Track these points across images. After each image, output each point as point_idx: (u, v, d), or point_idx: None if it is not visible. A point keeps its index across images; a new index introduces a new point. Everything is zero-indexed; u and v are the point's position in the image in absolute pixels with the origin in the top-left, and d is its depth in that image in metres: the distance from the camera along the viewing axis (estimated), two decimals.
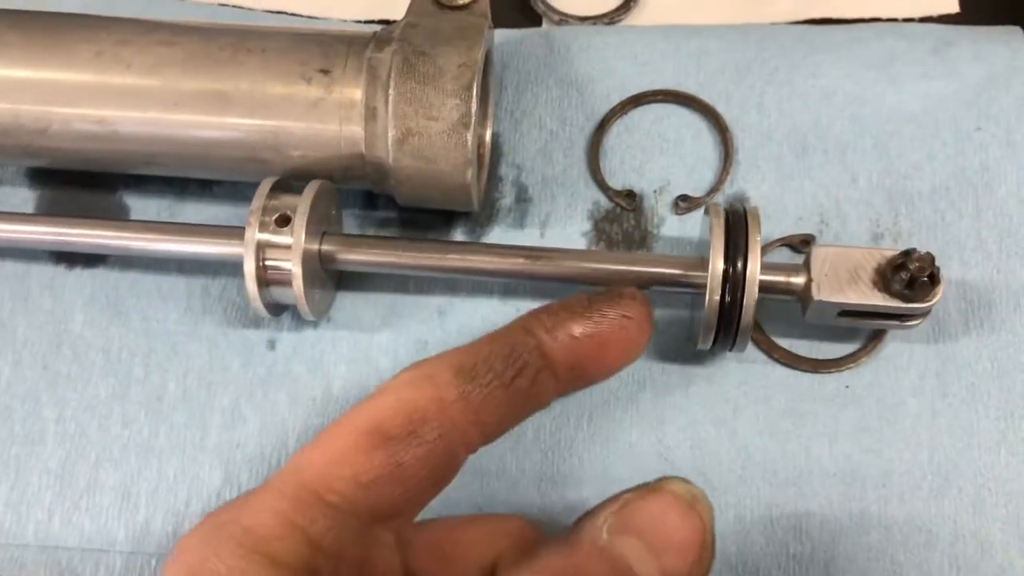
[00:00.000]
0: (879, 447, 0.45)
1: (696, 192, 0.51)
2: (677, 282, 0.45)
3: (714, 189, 0.51)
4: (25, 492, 0.46)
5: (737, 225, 0.43)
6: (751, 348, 0.47)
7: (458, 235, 0.51)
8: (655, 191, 0.51)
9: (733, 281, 0.42)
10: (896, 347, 0.47)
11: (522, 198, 0.51)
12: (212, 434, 0.47)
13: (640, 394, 0.47)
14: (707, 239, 0.46)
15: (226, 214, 0.52)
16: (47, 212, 0.52)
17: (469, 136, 0.45)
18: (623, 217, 0.51)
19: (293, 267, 0.44)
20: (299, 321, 0.49)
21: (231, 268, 0.50)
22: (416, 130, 0.45)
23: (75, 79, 0.46)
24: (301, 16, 0.58)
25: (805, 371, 0.47)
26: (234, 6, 0.58)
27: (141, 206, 0.52)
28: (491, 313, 0.49)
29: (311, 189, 0.45)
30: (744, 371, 0.47)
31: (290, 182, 0.47)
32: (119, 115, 0.46)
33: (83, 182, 0.53)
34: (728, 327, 0.43)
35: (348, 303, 0.49)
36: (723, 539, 0.44)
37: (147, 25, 0.48)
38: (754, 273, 0.42)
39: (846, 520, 0.44)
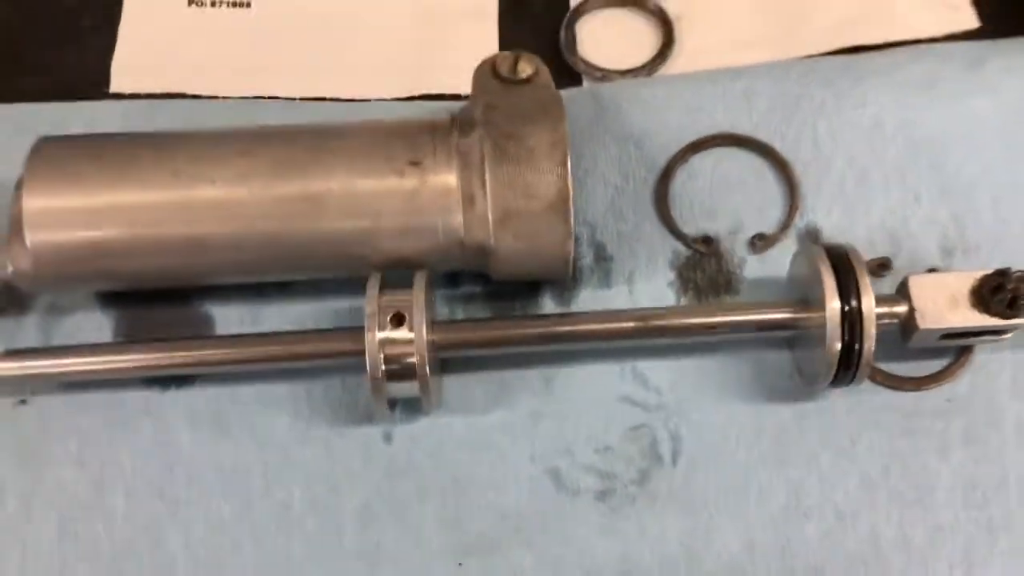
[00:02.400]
0: (991, 454, 0.47)
1: (769, 229, 0.53)
2: (786, 325, 0.47)
3: (786, 225, 0.52)
4: None
5: (839, 262, 0.45)
6: None
7: (547, 301, 0.51)
8: (729, 233, 0.53)
9: (849, 320, 0.44)
10: (985, 357, 0.49)
11: (601, 256, 0.52)
12: (348, 536, 0.47)
13: (760, 436, 0.48)
14: (799, 276, 0.48)
15: (311, 311, 0.51)
16: (146, 338, 0.50)
17: (569, 211, 0.45)
18: (704, 262, 0.52)
19: (417, 362, 0.44)
20: (410, 411, 0.49)
21: (335, 369, 0.49)
22: (516, 211, 0.46)
23: (158, 199, 0.45)
24: (342, 100, 0.57)
25: (908, 391, 0.49)
26: (271, 97, 0.57)
27: (223, 315, 0.51)
28: (600, 375, 0.49)
29: (420, 282, 0.45)
30: (850, 399, 0.49)
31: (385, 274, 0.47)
32: (208, 231, 0.46)
33: (157, 299, 0.51)
34: (848, 364, 0.45)
35: (455, 386, 0.50)
36: (865, 564, 0.46)
37: (218, 136, 0.47)
38: (870, 310, 0.44)
39: (974, 529, 0.46)
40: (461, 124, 0.47)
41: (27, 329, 0.51)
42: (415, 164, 0.46)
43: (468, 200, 0.46)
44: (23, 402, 0.49)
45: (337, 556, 0.46)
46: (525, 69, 0.50)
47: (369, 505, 0.47)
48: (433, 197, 0.46)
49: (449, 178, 0.46)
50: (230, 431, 0.49)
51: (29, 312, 0.51)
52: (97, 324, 0.51)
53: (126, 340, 0.50)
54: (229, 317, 0.51)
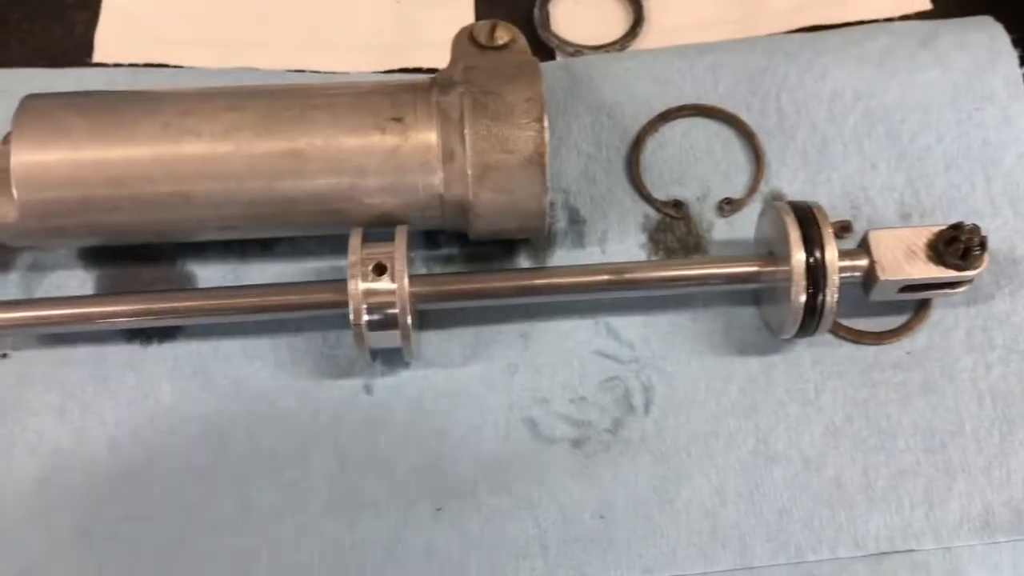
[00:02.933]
0: (948, 403, 0.50)
1: (736, 194, 0.55)
2: (753, 278, 0.49)
3: (752, 190, 0.55)
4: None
5: (804, 217, 0.47)
6: None
7: (523, 261, 0.53)
8: (698, 198, 0.55)
9: (813, 271, 0.46)
10: (942, 312, 0.52)
11: (575, 219, 0.54)
12: (328, 484, 0.47)
13: (729, 386, 0.50)
14: (765, 234, 0.50)
15: (292, 271, 0.52)
16: (124, 291, 0.51)
17: (545, 165, 0.47)
18: (674, 226, 0.54)
19: (399, 311, 0.45)
20: (390, 364, 0.50)
21: (318, 322, 0.51)
22: (494, 164, 0.47)
23: (145, 154, 0.46)
24: (321, 72, 0.59)
25: (869, 344, 0.51)
26: (252, 69, 0.59)
27: (206, 273, 0.52)
28: (574, 330, 0.51)
29: (401, 235, 0.47)
30: (815, 352, 0.51)
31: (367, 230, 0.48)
32: (194, 185, 0.47)
33: (139, 256, 0.52)
34: (812, 314, 0.47)
35: (434, 340, 0.51)
36: (830, 506, 0.47)
37: (206, 93, 0.48)
38: (833, 262, 0.46)
39: (934, 472, 0.48)
40: (441, 84, 0.49)
41: (8, 286, 0.51)
42: (397, 120, 0.48)
43: (448, 156, 0.47)
44: (4, 356, 0.50)
45: (317, 504, 0.47)
46: (502, 36, 0.52)
47: (349, 453, 0.48)
48: (414, 153, 0.47)
49: (430, 135, 0.47)
50: (212, 383, 0.49)
51: (11, 270, 0.52)
52: (79, 282, 0.52)
53: (112, 292, 0.51)
54: (211, 276, 0.52)
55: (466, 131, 0.47)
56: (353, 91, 0.49)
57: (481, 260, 0.53)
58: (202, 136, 0.47)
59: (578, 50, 0.60)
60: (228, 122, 0.47)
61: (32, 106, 0.47)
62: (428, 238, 0.54)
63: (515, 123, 0.47)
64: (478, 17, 0.62)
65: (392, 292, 0.45)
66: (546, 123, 0.47)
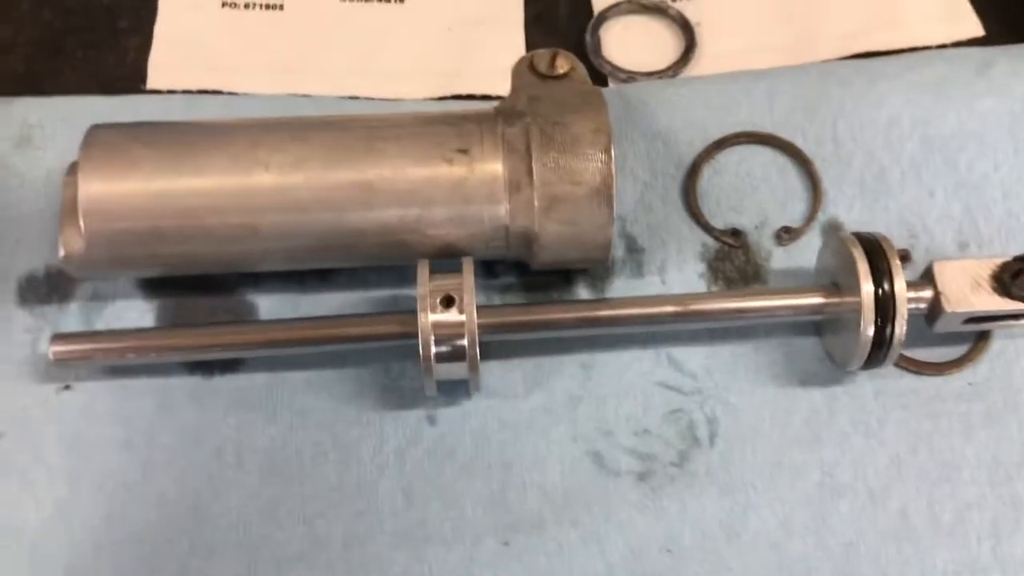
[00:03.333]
0: (1012, 434, 0.50)
1: (793, 222, 0.55)
2: (819, 310, 0.49)
3: (810, 218, 0.55)
4: None
5: (871, 248, 0.47)
6: None
7: (581, 291, 0.53)
8: (755, 226, 0.55)
9: (882, 303, 0.46)
10: (1002, 343, 0.52)
11: (633, 248, 0.54)
12: (394, 516, 0.47)
13: (792, 418, 0.50)
14: (828, 264, 0.50)
15: (349, 300, 0.52)
16: (188, 324, 0.51)
17: (612, 196, 0.47)
18: (732, 254, 0.54)
19: (468, 345, 0.45)
20: (452, 395, 0.50)
21: (381, 353, 0.50)
22: (561, 197, 0.47)
23: (215, 185, 0.46)
24: (375, 99, 0.59)
25: (930, 375, 0.51)
26: (305, 95, 0.58)
27: (266, 303, 0.52)
28: (636, 361, 0.51)
29: (468, 267, 0.47)
30: (876, 383, 0.51)
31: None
32: (263, 217, 0.47)
33: (198, 286, 0.52)
34: (879, 347, 0.47)
35: (495, 370, 0.51)
36: (897, 540, 0.47)
37: (272, 124, 0.48)
38: (902, 294, 0.46)
39: (1000, 505, 0.48)
40: (506, 114, 0.49)
41: (69, 316, 0.51)
42: (463, 152, 0.48)
43: (514, 187, 0.47)
44: (67, 388, 0.50)
45: (384, 536, 0.47)
46: (563, 65, 0.52)
47: (414, 485, 0.48)
48: (480, 184, 0.47)
49: (496, 166, 0.47)
50: (277, 415, 0.49)
51: (71, 299, 0.52)
52: (139, 312, 0.52)
53: (175, 324, 0.51)
54: (271, 305, 0.52)
55: (533, 163, 0.47)
56: (418, 122, 0.49)
57: (539, 289, 0.53)
58: (271, 168, 0.47)
59: (631, 76, 0.60)
60: (296, 153, 0.47)
61: (99, 137, 0.47)
62: (486, 267, 0.54)
63: (582, 154, 0.47)
64: (529, 43, 0.62)
65: (460, 324, 0.45)
66: (613, 154, 0.47)
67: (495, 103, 0.58)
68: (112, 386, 0.50)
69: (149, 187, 0.46)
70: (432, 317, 0.45)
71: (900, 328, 0.46)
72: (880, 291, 0.46)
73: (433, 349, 0.45)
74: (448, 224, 0.48)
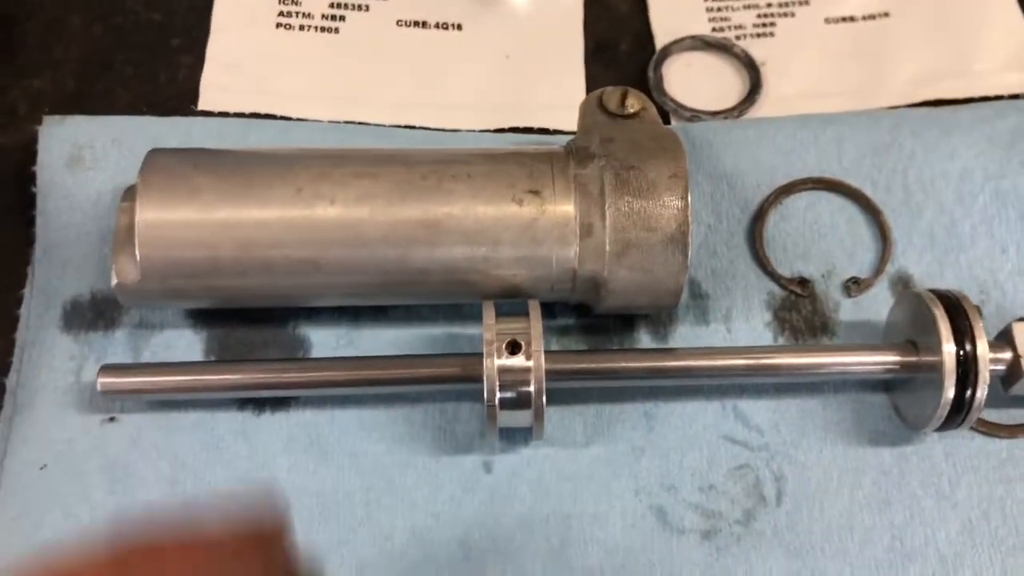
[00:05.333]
0: None
1: (860, 272, 0.53)
2: (894, 370, 0.47)
3: (879, 270, 0.53)
4: None
5: (952, 307, 0.46)
6: None
7: (643, 336, 0.51)
8: (822, 275, 0.53)
9: (963, 366, 0.45)
10: None
11: (697, 294, 0.52)
12: (450, 568, 0.45)
13: (862, 479, 0.48)
14: (902, 323, 0.49)
15: (405, 337, 0.51)
16: (239, 359, 0.49)
17: (688, 244, 0.46)
18: (799, 304, 0.52)
19: (534, 393, 0.44)
20: (509, 441, 0.48)
21: (435, 395, 0.49)
22: (635, 243, 0.46)
23: (277, 218, 0.45)
24: (430, 129, 0.57)
25: (1003, 438, 0.49)
26: (361, 123, 0.57)
27: (318, 337, 0.50)
28: (701, 413, 0.49)
29: (535, 311, 0.45)
30: (947, 444, 0.49)
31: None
32: (325, 252, 0.45)
33: (249, 317, 0.50)
34: (959, 411, 0.45)
35: (553, 417, 0.49)
36: None
37: (336, 156, 0.47)
38: (985, 356, 0.44)
39: None
40: (578, 155, 0.47)
41: (115, 345, 0.50)
42: (535, 193, 0.46)
43: (585, 230, 0.46)
44: (112, 420, 0.48)
45: None
46: (633, 104, 0.50)
47: (471, 536, 0.46)
48: (551, 227, 0.46)
49: (568, 208, 0.46)
50: (329, 456, 0.47)
51: (117, 327, 0.50)
52: (188, 342, 0.50)
53: (226, 359, 0.49)
54: (324, 340, 0.50)
55: (607, 207, 0.45)
56: (488, 160, 0.47)
57: (599, 332, 0.52)
58: (336, 202, 0.45)
59: (695, 115, 0.59)
60: (363, 189, 0.45)
61: (158, 162, 0.46)
62: (544, 308, 0.52)
63: (658, 200, 0.46)
64: (589, 76, 0.61)
65: (527, 370, 0.44)
66: (690, 201, 0.46)
67: (554, 136, 0.57)
68: (158, 419, 0.48)
69: (209, 216, 0.45)
70: (498, 362, 0.44)
71: (981, 392, 0.45)
72: (962, 353, 0.45)
73: (499, 395, 0.44)
74: (515, 265, 0.46)
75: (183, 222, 0.45)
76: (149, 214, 0.45)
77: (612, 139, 0.47)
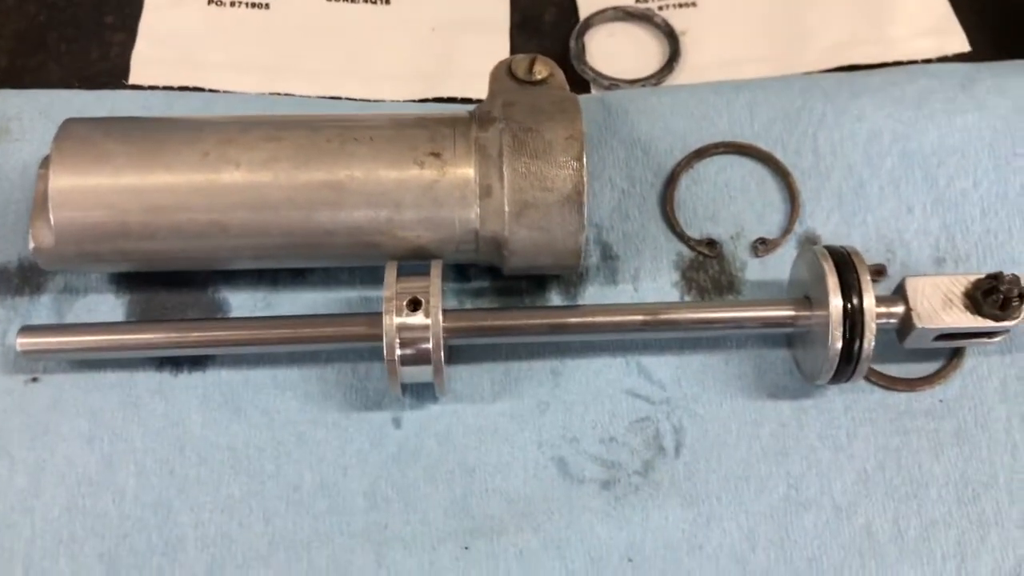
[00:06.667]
0: (982, 453, 0.49)
1: (769, 234, 0.54)
2: (789, 322, 0.48)
3: (787, 230, 0.54)
4: None
5: (841, 263, 0.47)
6: None
7: (554, 297, 0.53)
8: (731, 237, 0.54)
9: (851, 318, 0.46)
10: (975, 360, 0.51)
11: (608, 255, 0.54)
12: (356, 518, 0.47)
13: (760, 430, 0.50)
14: (800, 277, 0.50)
15: (322, 300, 0.52)
16: (158, 319, 0.51)
17: (583, 203, 0.47)
18: (707, 264, 0.54)
19: (432, 347, 0.45)
20: (419, 398, 0.50)
21: (348, 354, 0.50)
22: (532, 203, 0.47)
23: (184, 182, 0.46)
24: (357, 100, 0.59)
25: (901, 391, 0.51)
26: (287, 94, 0.59)
27: (237, 300, 0.52)
28: (605, 368, 0.51)
29: (436, 270, 0.47)
30: (846, 398, 0.50)
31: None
32: (232, 215, 0.47)
33: (170, 282, 0.52)
34: (848, 361, 0.46)
35: (463, 374, 0.51)
36: (861, 555, 0.47)
37: (246, 122, 0.48)
38: (871, 309, 0.46)
39: (966, 524, 0.48)
40: (480, 119, 0.49)
41: (40, 309, 0.51)
42: (435, 155, 0.47)
43: (485, 191, 0.47)
44: (35, 380, 0.50)
45: (345, 537, 0.47)
46: (541, 71, 0.51)
47: (378, 488, 0.48)
48: (451, 188, 0.47)
49: (468, 170, 0.47)
50: (242, 413, 0.49)
51: (42, 292, 0.52)
52: (110, 306, 0.52)
53: (144, 319, 0.51)
54: (243, 303, 0.52)
55: (504, 168, 0.47)
56: (392, 124, 0.49)
57: (512, 294, 0.53)
58: (241, 166, 0.47)
59: (614, 83, 0.60)
60: (268, 152, 0.47)
61: (72, 131, 0.47)
62: (459, 271, 0.53)
63: (554, 161, 0.47)
64: (513, 47, 0.62)
65: (426, 328, 0.45)
66: (585, 162, 0.47)
67: (475, 106, 0.59)
68: (79, 379, 0.50)
69: (118, 182, 0.46)
70: (397, 320, 0.45)
71: (868, 343, 0.46)
72: (849, 306, 0.46)
73: (398, 352, 0.45)
74: (418, 227, 0.48)
75: (94, 187, 0.46)
76: (61, 180, 0.46)
77: (514, 103, 0.49)
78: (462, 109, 0.51)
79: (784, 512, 0.48)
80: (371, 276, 0.53)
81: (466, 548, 0.47)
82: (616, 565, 0.47)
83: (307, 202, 0.47)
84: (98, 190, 0.46)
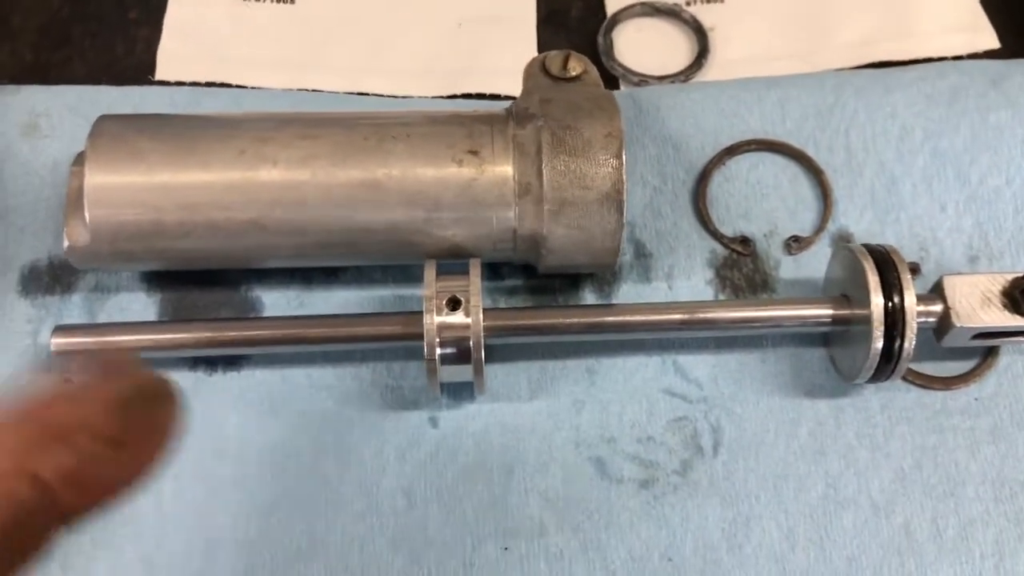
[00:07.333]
0: (1019, 452, 0.49)
1: (802, 232, 0.54)
2: (828, 321, 0.48)
3: (819, 228, 0.54)
4: None
5: (881, 261, 0.47)
6: None
7: (588, 295, 0.53)
8: (764, 235, 0.54)
9: (891, 317, 0.46)
10: (1010, 358, 0.51)
11: (641, 253, 0.54)
12: (394, 519, 0.47)
13: (798, 429, 0.49)
14: (837, 275, 0.50)
15: (355, 298, 0.52)
16: (193, 319, 0.50)
17: (623, 202, 0.47)
18: (741, 262, 0.54)
19: (473, 347, 0.45)
20: (456, 397, 0.50)
21: (384, 353, 0.50)
22: (571, 201, 0.47)
23: (220, 180, 0.46)
24: (382, 96, 0.58)
25: (937, 390, 0.51)
26: (314, 90, 0.58)
27: (270, 299, 0.52)
28: (641, 367, 0.51)
29: (476, 269, 0.46)
30: (882, 396, 0.50)
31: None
32: (268, 213, 0.46)
33: (202, 280, 0.52)
34: (888, 361, 0.46)
35: (499, 373, 0.50)
36: (899, 554, 0.47)
37: (280, 119, 0.48)
38: (912, 308, 0.46)
39: (1004, 522, 0.48)
40: (517, 116, 0.48)
41: (71, 307, 0.51)
42: (474, 153, 0.47)
43: (524, 190, 0.47)
44: (68, 380, 0.49)
45: (383, 538, 0.46)
46: (575, 67, 0.51)
47: (415, 488, 0.48)
48: (490, 186, 0.47)
49: (506, 168, 0.47)
50: (278, 413, 0.49)
51: (74, 291, 0.51)
52: (142, 305, 0.51)
53: (178, 319, 0.50)
54: (276, 302, 0.52)
55: (543, 166, 0.46)
56: (428, 121, 0.48)
57: (546, 292, 0.53)
58: (278, 164, 0.46)
59: (643, 79, 0.60)
60: (305, 150, 0.46)
61: (106, 128, 0.47)
62: (492, 269, 0.53)
63: (593, 159, 0.47)
64: (541, 42, 0.62)
65: (466, 327, 0.45)
66: (624, 159, 0.47)
67: (505, 103, 0.58)
68: None
69: (153, 179, 0.46)
70: (438, 319, 0.45)
71: (909, 343, 0.46)
72: (890, 304, 0.46)
73: (438, 351, 0.45)
74: (456, 225, 0.47)
75: (129, 185, 0.46)
76: (97, 177, 0.46)
77: (551, 100, 0.48)
78: (497, 106, 0.50)
79: (823, 511, 0.48)
80: (404, 274, 0.52)
81: (505, 549, 0.47)
82: (656, 565, 0.47)
83: (345, 201, 0.46)
84: (133, 188, 0.46)
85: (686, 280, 0.53)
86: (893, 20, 0.61)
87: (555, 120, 0.47)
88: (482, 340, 0.45)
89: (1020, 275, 0.48)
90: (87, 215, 0.46)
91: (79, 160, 0.47)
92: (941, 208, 0.55)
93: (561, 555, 0.46)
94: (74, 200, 0.47)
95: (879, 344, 0.46)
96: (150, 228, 0.46)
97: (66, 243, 0.47)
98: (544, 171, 0.47)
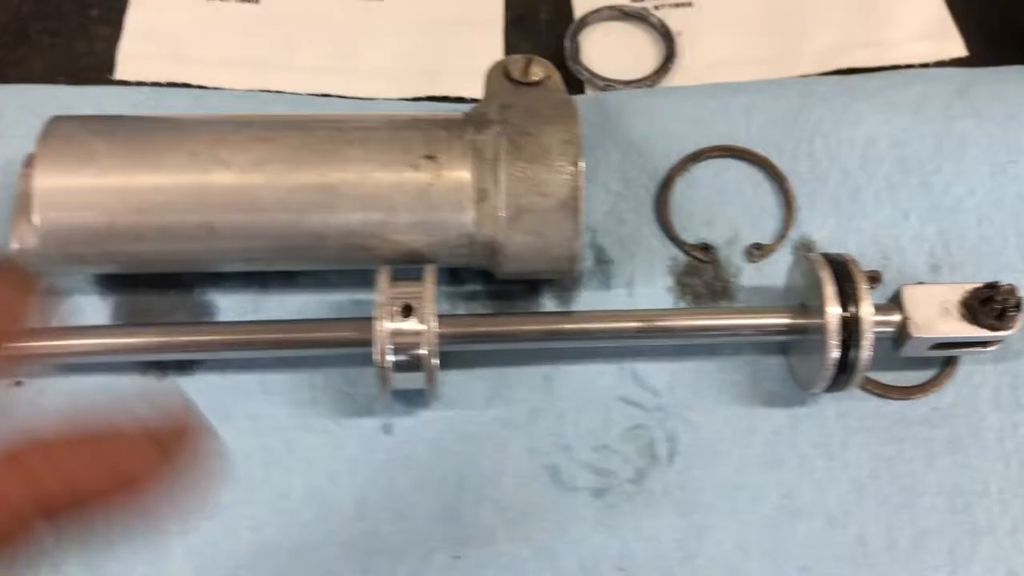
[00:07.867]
0: (974, 462, 0.49)
1: (764, 240, 0.54)
2: (785, 330, 0.48)
3: (782, 236, 0.54)
4: None
5: (839, 270, 0.47)
6: None
7: (547, 302, 0.52)
8: (726, 241, 0.54)
9: (847, 327, 0.45)
10: (969, 369, 0.51)
11: (602, 259, 0.53)
12: (345, 526, 0.47)
13: (754, 439, 0.49)
14: (796, 283, 0.50)
15: (312, 303, 0.51)
16: (144, 323, 0.50)
17: (580, 209, 0.46)
18: (702, 269, 0.53)
19: (425, 354, 0.45)
20: (410, 403, 0.49)
21: (338, 359, 0.50)
22: (528, 207, 0.46)
23: (172, 183, 0.45)
24: (347, 97, 0.58)
25: (895, 399, 0.50)
26: (277, 91, 0.58)
27: (225, 303, 0.51)
28: (599, 375, 0.50)
29: (430, 275, 0.46)
30: (840, 405, 0.50)
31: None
32: (221, 216, 0.46)
33: (157, 283, 0.51)
34: (843, 370, 0.46)
35: (455, 379, 0.50)
36: (854, 565, 0.47)
37: (236, 122, 0.48)
38: (868, 318, 0.45)
39: (958, 534, 0.48)
40: (476, 122, 0.48)
41: None
42: (430, 158, 0.47)
43: (481, 195, 0.46)
44: (18, 384, 0.49)
45: (334, 546, 0.46)
46: (537, 72, 0.51)
47: (367, 495, 0.47)
48: (446, 192, 0.46)
49: (463, 173, 0.47)
50: (230, 418, 0.48)
51: None
52: (95, 308, 0.51)
53: (130, 323, 0.50)
54: (231, 305, 0.51)
55: (500, 172, 0.46)
56: (386, 125, 0.48)
57: (505, 298, 0.52)
58: (231, 167, 0.46)
59: (609, 84, 0.59)
60: (259, 153, 0.46)
61: (57, 129, 0.46)
62: (451, 274, 0.53)
63: (550, 166, 0.46)
64: (507, 45, 0.61)
65: (419, 334, 0.44)
66: (582, 167, 0.46)
67: (469, 106, 0.58)
68: (63, 383, 0.49)
69: (105, 182, 0.45)
70: (389, 325, 0.44)
71: (866, 352, 0.45)
72: (846, 314, 0.45)
73: (390, 358, 0.44)
74: (412, 231, 0.47)
75: (80, 187, 0.45)
76: (46, 180, 0.45)
77: (511, 106, 0.48)
78: (456, 110, 0.50)
79: (777, 522, 0.48)
80: (362, 279, 0.52)
81: (457, 557, 0.46)
82: (607, 574, 0.46)
83: (299, 205, 0.46)
84: (84, 190, 0.45)
85: (646, 287, 0.53)
86: (861, 27, 0.61)
87: (514, 126, 0.47)
88: (436, 347, 0.45)
89: (979, 286, 0.48)
90: (36, 218, 0.45)
91: (29, 161, 0.47)
92: (904, 216, 0.54)
93: (512, 564, 0.46)
94: (24, 202, 0.46)
95: (834, 354, 0.46)
96: (102, 231, 0.46)
97: (15, 246, 0.46)
98: (501, 177, 0.46)
